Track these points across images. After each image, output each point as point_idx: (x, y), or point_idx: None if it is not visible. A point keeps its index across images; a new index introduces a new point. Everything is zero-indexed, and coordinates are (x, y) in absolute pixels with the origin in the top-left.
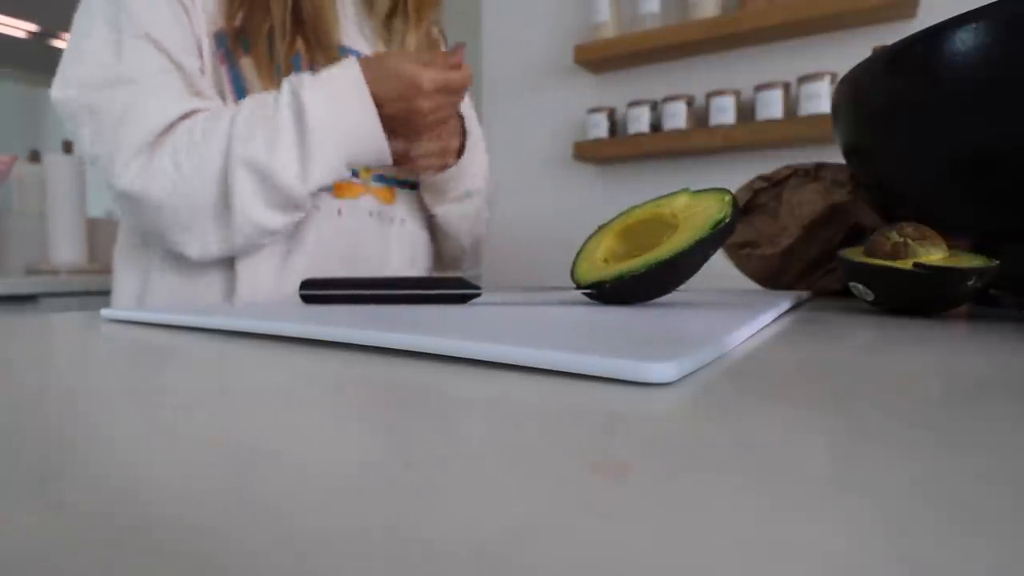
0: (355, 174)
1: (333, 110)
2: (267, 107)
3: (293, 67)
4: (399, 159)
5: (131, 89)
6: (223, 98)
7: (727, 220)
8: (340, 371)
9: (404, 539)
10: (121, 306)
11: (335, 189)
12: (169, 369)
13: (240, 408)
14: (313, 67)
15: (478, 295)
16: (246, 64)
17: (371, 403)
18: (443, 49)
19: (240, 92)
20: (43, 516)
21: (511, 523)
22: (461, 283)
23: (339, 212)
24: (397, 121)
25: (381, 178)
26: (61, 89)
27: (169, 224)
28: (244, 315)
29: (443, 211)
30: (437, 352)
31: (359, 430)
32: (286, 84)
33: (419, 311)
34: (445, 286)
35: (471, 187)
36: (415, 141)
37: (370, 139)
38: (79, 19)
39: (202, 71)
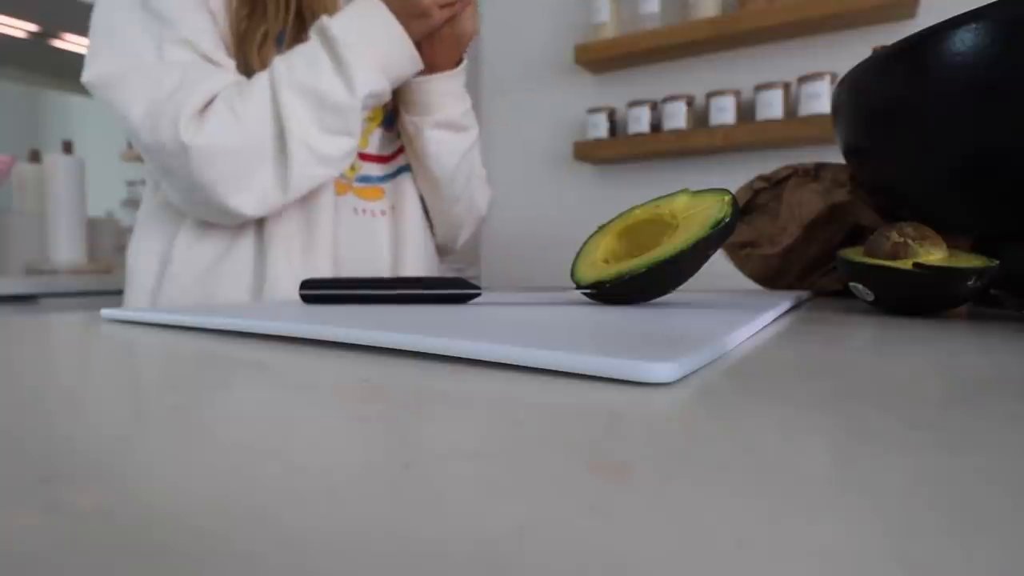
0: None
1: (355, 27)
2: (298, 49)
3: None
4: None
5: (180, 69)
6: None
7: (727, 220)
8: (340, 371)
9: (404, 539)
10: (136, 299)
11: (338, 187)
12: (169, 369)
13: (240, 408)
14: None
15: (478, 295)
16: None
17: (371, 403)
18: None
19: None
20: (43, 516)
21: (511, 523)
22: (461, 283)
23: (355, 211)
24: (402, 14)
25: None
26: (101, 67)
27: (229, 177)
28: (244, 315)
29: (435, 136)
30: (437, 352)
31: (359, 430)
32: (312, 29)
33: (419, 311)
34: (445, 286)
35: (460, 116)
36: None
37: (398, 45)
38: (107, 12)
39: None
